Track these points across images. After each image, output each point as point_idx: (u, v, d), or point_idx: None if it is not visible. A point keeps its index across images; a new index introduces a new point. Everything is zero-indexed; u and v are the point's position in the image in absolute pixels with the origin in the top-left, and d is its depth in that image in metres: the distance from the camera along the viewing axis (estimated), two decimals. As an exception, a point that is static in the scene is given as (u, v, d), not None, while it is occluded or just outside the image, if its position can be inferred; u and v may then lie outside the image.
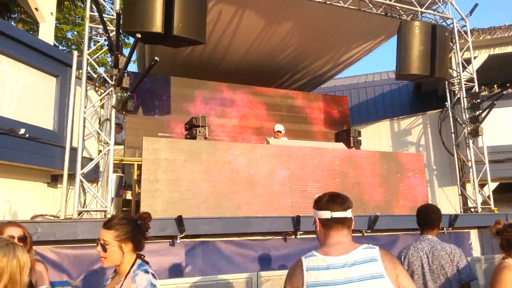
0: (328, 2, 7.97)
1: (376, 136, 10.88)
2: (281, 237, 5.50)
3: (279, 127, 8.14)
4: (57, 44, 14.57)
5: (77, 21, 14.70)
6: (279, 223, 5.60)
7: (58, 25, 14.32)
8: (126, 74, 6.14)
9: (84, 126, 5.66)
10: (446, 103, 9.30)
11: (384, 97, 14.52)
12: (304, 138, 10.23)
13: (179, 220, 4.96)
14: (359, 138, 8.50)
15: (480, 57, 10.33)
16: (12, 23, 11.54)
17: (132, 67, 17.96)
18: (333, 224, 2.08)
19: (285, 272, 2.37)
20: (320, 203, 2.10)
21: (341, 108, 11.25)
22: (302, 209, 6.10)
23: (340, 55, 10.61)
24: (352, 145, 8.20)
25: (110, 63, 9.11)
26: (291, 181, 6.34)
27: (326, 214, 2.06)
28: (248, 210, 5.76)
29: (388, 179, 7.00)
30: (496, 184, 8.78)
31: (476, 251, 6.81)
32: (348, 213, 2.07)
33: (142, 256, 2.38)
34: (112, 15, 6.21)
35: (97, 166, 6.06)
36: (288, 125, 10.27)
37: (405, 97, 14.13)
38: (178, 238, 4.92)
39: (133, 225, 2.30)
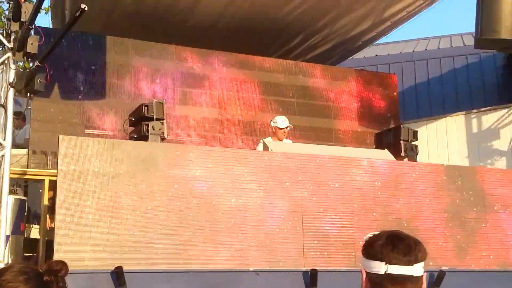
0: None
1: (442, 139, 11.04)
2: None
3: (282, 121, 8.15)
4: None
5: None
6: (284, 281, 5.64)
7: None
8: (33, 32, 6.19)
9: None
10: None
11: (457, 75, 14.74)
12: (325, 141, 10.37)
13: (119, 275, 4.99)
14: (414, 142, 8.60)
15: None
16: None
17: (43, 20, 17.87)
18: (388, 283, 1.97)
19: None
20: (372, 249, 1.99)
21: (387, 92, 11.38)
22: (319, 260, 6.18)
23: (384, 6, 10.77)
24: (403, 153, 8.31)
25: (5, 12, 9.15)
26: (302, 214, 6.40)
27: (379, 267, 1.96)
28: (233, 260, 5.84)
29: (461, 213, 7.04)
30: None
31: None
32: (415, 269, 1.95)
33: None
34: None
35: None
36: (299, 119, 10.42)
37: (490, 76, 14.34)
38: (117, 305, 4.96)
39: (35, 283, 2.20)
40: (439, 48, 16.08)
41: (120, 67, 9.46)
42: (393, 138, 8.67)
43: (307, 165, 6.62)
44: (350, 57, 13.53)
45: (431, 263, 6.47)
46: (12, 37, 6.13)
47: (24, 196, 7.23)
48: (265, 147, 7.28)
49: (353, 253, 6.35)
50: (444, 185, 7.13)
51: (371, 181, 6.81)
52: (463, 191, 7.16)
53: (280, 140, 8.13)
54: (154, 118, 7.03)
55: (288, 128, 8.20)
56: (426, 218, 6.90)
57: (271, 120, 8.36)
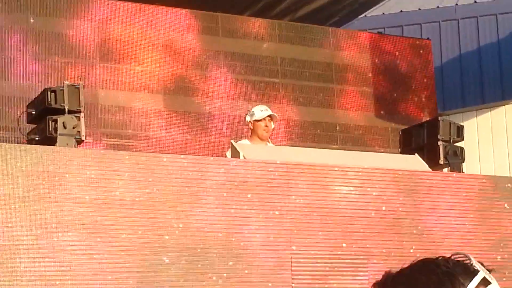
0: None
1: (501, 138, 11.09)
2: None
3: (261, 110, 8.13)
4: None
5: None
6: None
7: None
8: None
9: None
10: None
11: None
12: (326, 142, 10.45)
13: None
14: (459, 143, 8.63)
15: None
16: None
17: None
18: None
19: None
20: None
21: (418, 67, 11.35)
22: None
23: None
24: (442, 160, 8.34)
25: None
26: (292, 249, 6.53)
27: None
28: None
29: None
30: None
31: None
32: None
33: None
34: None
35: None
36: (287, 109, 10.44)
37: None
38: None
39: None
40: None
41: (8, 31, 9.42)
42: (427, 137, 8.68)
43: (302, 177, 6.74)
44: (363, 15, 13.61)
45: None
46: None
47: None
48: (235, 153, 7.26)
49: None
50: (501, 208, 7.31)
51: (392, 202, 7.02)
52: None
53: (262, 140, 8.10)
54: (66, 110, 6.96)
55: (273, 122, 8.16)
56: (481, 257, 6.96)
57: (246, 114, 8.32)
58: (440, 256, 2.44)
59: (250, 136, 8.20)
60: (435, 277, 2.43)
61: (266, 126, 8.05)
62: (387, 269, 2.48)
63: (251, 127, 8.11)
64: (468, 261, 2.43)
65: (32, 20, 9.55)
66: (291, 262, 6.56)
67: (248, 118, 8.16)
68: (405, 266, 2.45)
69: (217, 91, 10.36)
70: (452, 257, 2.38)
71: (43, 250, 5.87)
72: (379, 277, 2.53)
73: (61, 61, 9.59)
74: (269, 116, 8.08)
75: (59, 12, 9.72)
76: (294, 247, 6.60)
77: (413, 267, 2.44)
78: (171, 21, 10.29)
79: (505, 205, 7.33)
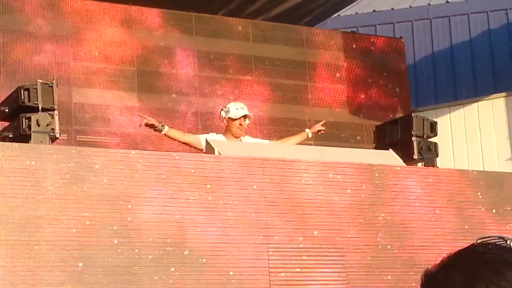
0: None
1: (473, 133, 11.16)
2: None
3: (236, 109, 8.11)
4: None
5: None
6: None
7: None
8: None
9: None
10: None
11: (493, 40, 14.97)
12: (302, 139, 10.40)
13: None
14: (432, 138, 8.67)
15: None
16: None
17: None
18: None
19: None
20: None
21: (391, 65, 11.40)
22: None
23: None
24: (416, 155, 8.37)
25: None
26: (269, 241, 6.55)
27: None
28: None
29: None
30: None
31: None
32: None
33: None
34: None
35: None
36: (259, 106, 10.48)
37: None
38: None
39: None
40: (466, -1, 16.30)
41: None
42: (401, 132, 8.72)
43: (273, 174, 6.74)
44: (336, 14, 13.64)
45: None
46: None
47: None
48: (209, 148, 7.27)
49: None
50: (475, 199, 7.37)
51: (367, 199, 7.06)
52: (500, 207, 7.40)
53: (236, 138, 8.09)
54: (40, 108, 6.93)
55: (247, 120, 8.15)
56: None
57: (221, 109, 8.29)
58: (476, 242, 2.38)
59: (224, 131, 8.19)
60: (491, 265, 2.36)
61: (241, 125, 8.04)
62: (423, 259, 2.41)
63: (226, 123, 8.11)
64: (503, 243, 2.37)
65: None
66: (268, 253, 6.59)
67: (223, 114, 8.14)
68: (448, 256, 2.36)
69: (190, 88, 10.37)
70: (487, 241, 2.32)
71: (18, 246, 5.85)
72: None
73: (36, 58, 9.58)
74: (244, 115, 8.09)
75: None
76: (270, 240, 6.64)
77: (461, 256, 2.35)
78: (147, 18, 10.32)
79: (481, 203, 7.37)
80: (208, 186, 6.55)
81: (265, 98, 10.67)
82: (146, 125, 7.88)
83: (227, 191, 6.63)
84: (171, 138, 7.95)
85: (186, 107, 10.24)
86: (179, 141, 8.00)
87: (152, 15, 10.35)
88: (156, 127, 7.82)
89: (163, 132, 7.84)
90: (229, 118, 8.08)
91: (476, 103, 11.41)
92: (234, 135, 8.05)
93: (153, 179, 6.42)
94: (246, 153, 7.10)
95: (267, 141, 8.55)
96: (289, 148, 8.04)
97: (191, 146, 7.93)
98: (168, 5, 10.46)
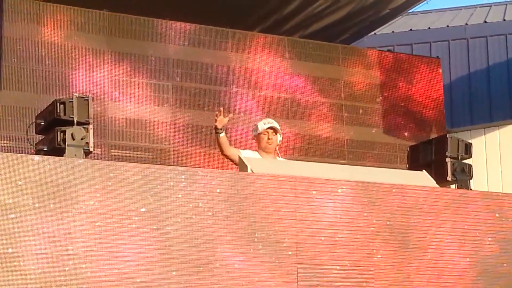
0: None
1: (508, 154, 11.05)
2: None
3: (265, 123, 8.10)
4: None
5: None
6: None
7: None
8: None
9: None
10: None
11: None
12: (332, 157, 10.43)
13: None
14: (467, 160, 8.59)
15: None
16: None
17: None
18: None
19: None
20: None
21: (427, 85, 11.35)
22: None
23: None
24: (450, 177, 8.30)
25: None
26: (299, 263, 6.57)
27: None
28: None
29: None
30: None
31: None
32: None
33: None
34: None
35: None
36: (292, 124, 10.48)
37: None
38: None
39: None
40: (504, 19, 16.21)
41: (20, 42, 9.42)
42: (435, 153, 8.64)
43: (304, 194, 6.75)
44: (372, 33, 13.60)
45: None
46: None
47: None
48: (242, 166, 7.25)
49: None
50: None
51: (394, 218, 7.09)
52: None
53: (268, 153, 8.07)
54: (75, 121, 6.95)
55: (278, 136, 8.11)
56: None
57: (253, 128, 8.33)
58: None
59: (257, 149, 8.21)
60: None
61: (269, 138, 8.03)
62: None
63: (256, 141, 8.14)
64: None
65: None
66: (297, 275, 6.59)
67: (253, 133, 8.20)
68: None
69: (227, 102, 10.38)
70: None
71: (50, 260, 5.86)
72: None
73: (73, 73, 9.63)
74: (272, 128, 8.07)
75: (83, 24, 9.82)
76: (300, 261, 6.64)
77: None
78: (183, 35, 10.34)
79: None
80: (239, 204, 6.56)
81: (292, 115, 10.62)
82: (217, 117, 7.80)
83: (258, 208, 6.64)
84: (220, 144, 7.84)
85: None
86: (222, 151, 7.90)
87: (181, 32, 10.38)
88: (220, 127, 7.79)
89: (220, 135, 7.80)
90: (258, 134, 8.10)
91: (511, 125, 11.30)
92: (264, 150, 8.05)
93: (185, 196, 6.43)
94: (278, 171, 7.07)
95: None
96: (322, 167, 8.01)
97: (231, 159, 7.90)
98: (203, 21, 10.47)
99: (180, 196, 6.36)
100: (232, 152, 7.88)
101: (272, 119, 8.45)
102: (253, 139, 8.28)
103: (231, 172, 7.18)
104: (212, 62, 10.52)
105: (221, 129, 7.78)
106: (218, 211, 6.46)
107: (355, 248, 6.89)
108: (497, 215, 7.50)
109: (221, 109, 7.95)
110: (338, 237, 6.83)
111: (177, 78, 10.26)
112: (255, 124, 8.23)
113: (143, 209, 6.22)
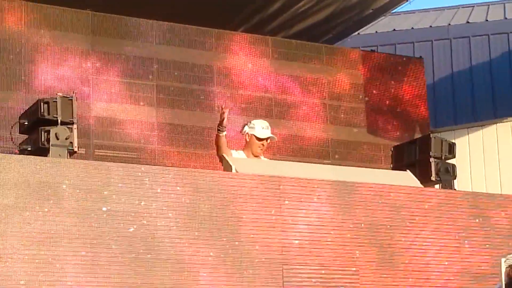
0: None
1: (492, 155, 11.08)
2: None
3: (262, 128, 7.97)
4: None
5: None
6: None
7: None
8: None
9: None
10: None
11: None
12: (316, 157, 10.49)
13: None
14: (451, 160, 8.62)
15: None
16: None
17: None
18: None
19: None
20: None
21: (410, 85, 11.36)
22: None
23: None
24: (434, 177, 8.32)
25: None
26: (282, 270, 6.54)
27: None
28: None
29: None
30: None
31: None
32: None
33: None
34: None
35: None
36: (277, 123, 10.49)
37: None
38: None
39: None
40: (487, 20, 16.26)
41: (11, 42, 9.46)
42: (419, 153, 8.66)
43: (289, 192, 6.76)
44: (355, 33, 13.62)
45: None
46: None
47: None
48: (227, 166, 7.24)
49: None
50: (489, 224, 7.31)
51: (383, 221, 7.09)
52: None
53: (255, 157, 8.02)
54: (59, 121, 6.93)
55: (268, 141, 8.06)
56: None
57: (246, 124, 8.19)
58: None
59: (244, 147, 8.11)
60: None
61: (263, 145, 8.00)
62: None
63: (247, 139, 8.03)
64: None
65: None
66: (282, 275, 6.59)
67: (246, 129, 8.04)
68: None
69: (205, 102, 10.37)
70: None
71: (36, 261, 5.86)
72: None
73: (57, 72, 9.60)
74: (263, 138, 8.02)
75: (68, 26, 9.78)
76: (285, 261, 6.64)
77: None
78: (168, 36, 10.32)
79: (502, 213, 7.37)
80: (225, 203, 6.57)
81: (278, 115, 10.63)
82: (221, 115, 7.77)
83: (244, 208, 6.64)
84: (217, 144, 7.77)
85: (203, 122, 10.24)
86: (219, 151, 7.79)
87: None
88: (222, 125, 7.70)
89: (221, 134, 7.71)
90: (253, 135, 8.02)
91: (495, 125, 11.34)
92: (254, 154, 8.00)
93: (169, 195, 6.43)
94: (263, 171, 7.08)
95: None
96: (306, 167, 8.01)
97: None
98: (190, 22, 10.45)
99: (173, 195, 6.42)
100: (228, 153, 7.78)
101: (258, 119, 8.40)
102: (242, 134, 8.15)
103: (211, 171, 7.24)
104: (195, 62, 10.49)
105: (224, 127, 7.73)
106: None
107: (339, 248, 6.90)
108: (478, 219, 7.54)
109: (226, 105, 7.95)
110: (322, 237, 6.85)
111: (159, 78, 10.23)
112: (251, 122, 8.11)
113: (123, 207, 6.23)
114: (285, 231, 6.72)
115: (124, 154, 9.68)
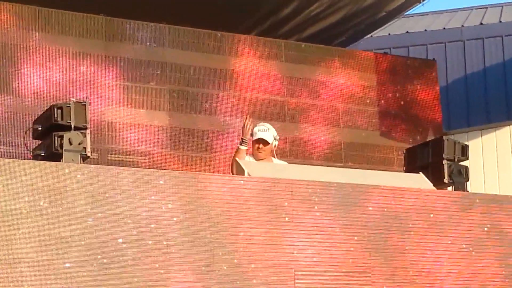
0: None
1: (506, 157, 11.05)
2: None
3: (256, 130, 7.98)
4: None
5: None
6: None
7: None
8: None
9: None
10: None
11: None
12: (329, 160, 10.50)
13: None
14: (464, 162, 8.60)
15: None
16: None
17: None
18: None
19: None
20: None
21: (423, 87, 11.36)
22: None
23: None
24: (446, 179, 8.30)
25: None
26: (295, 266, 6.56)
27: None
28: None
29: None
30: None
31: None
32: None
33: None
34: None
35: None
36: (290, 126, 10.52)
37: None
38: None
39: None
40: (500, 21, 16.21)
41: (19, 47, 9.47)
42: (432, 156, 8.64)
43: (301, 197, 6.76)
44: (368, 36, 13.61)
45: None
46: None
47: None
48: (239, 170, 7.26)
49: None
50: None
51: (395, 223, 7.09)
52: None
53: (260, 160, 8.03)
54: (72, 126, 6.96)
55: (268, 145, 8.02)
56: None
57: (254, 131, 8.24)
58: None
59: (252, 151, 8.15)
60: None
61: (259, 147, 7.99)
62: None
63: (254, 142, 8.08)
64: None
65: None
66: (294, 279, 6.60)
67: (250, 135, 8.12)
68: None
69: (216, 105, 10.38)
70: None
71: (46, 266, 5.86)
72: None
73: (71, 77, 9.63)
74: (260, 141, 7.99)
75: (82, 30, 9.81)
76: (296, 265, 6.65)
77: None
78: (180, 40, 10.34)
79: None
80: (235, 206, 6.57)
81: (291, 118, 10.65)
82: (247, 125, 7.80)
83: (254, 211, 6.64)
84: (236, 157, 7.71)
85: (212, 126, 10.26)
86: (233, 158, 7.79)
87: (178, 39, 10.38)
88: (245, 137, 7.78)
89: (241, 147, 7.77)
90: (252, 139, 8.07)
91: (508, 127, 11.31)
92: (254, 157, 8.01)
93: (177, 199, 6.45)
94: (274, 175, 7.08)
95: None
96: (318, 170, 8.02)
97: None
98: (200, 25, 10.47)
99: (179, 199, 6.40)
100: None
101: (267, 122, 8.36)
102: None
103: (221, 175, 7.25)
104: (209, 66, 10.49)
105: (246, 137, 7.76)
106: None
107: (352, 251, 6.90)
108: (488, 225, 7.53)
109: (249, 116, 7.97)
110: (333, 241, 6.85)
111: (171, 82, 10.23)
112: (256, 127, 8.15)
113: (141, 214, 6.25)
114: (297, 235, 6.73)
115: (135, 158, 9.70)
